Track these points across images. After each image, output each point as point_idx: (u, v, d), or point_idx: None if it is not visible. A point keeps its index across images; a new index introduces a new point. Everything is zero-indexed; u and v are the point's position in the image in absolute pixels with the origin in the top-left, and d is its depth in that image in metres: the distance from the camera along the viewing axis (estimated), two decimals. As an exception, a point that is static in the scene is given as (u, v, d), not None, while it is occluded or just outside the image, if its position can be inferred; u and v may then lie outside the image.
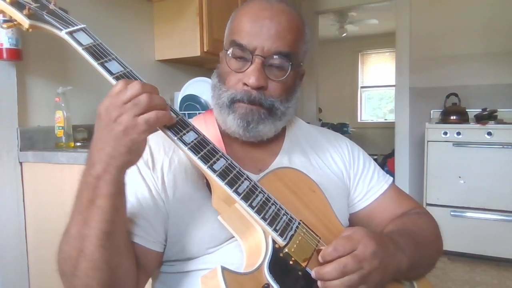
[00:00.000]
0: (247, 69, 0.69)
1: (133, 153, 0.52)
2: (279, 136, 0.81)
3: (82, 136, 1.57)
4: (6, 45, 1.30)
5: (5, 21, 0.61)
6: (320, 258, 0.57)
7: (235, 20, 0.74)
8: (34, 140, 1.46)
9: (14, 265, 1.40)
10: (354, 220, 0.83)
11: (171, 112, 0.57)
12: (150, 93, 0.52)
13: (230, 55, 0.71)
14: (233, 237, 0.61)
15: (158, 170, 0.69)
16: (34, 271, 1.44)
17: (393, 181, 0.86)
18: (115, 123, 0.50)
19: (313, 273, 0.56)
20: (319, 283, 0.56)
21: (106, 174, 0.52)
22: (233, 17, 0.76)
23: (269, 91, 0.70)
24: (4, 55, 1.31)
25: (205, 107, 1.74)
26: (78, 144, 1.51)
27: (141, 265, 0.64)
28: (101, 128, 0.52)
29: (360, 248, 0.57)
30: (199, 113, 1.47)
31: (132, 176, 0.67)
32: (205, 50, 1.99)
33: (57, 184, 1.35)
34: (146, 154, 0.70)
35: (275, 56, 0.69)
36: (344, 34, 5.12)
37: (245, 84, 0.68)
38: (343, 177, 0.81)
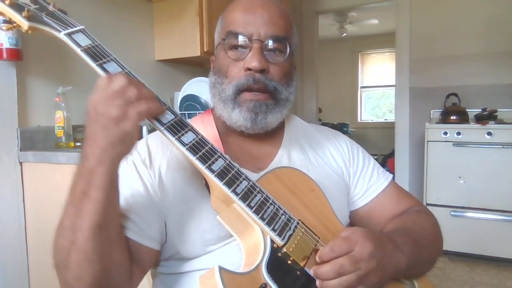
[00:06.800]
0: (246, 56, 0.70)
1: (125, 144, 0.53)
2: (278, 135, 0.81)
3: (82, 136, 1.56)
4: (6, 45, 1.31)
5: (4, 22, 0.61)
6: (317, 258, 0.57)
7: (226, 14, 0.76)
8: (34, 140, 1.46)
9: (14, 265, 1.40)
10: (354, 218, 0.83)
11: (171, 114, 0.57)
12: (136, 84, 0.53)
13: (227, 46, 0.72)
14: (233, 236, 0.61)
15: (156, 168, 0.69)
16: (34, 271, 1.44)
17: (393, 178, 0.86)
18: (104, 116, 0.51)
19: (311, 271, 0.57)
20: (317, 282, 0.56)
21: (100, 165, 0.52)
22: (224, 14, 0.78)
23: (270, 75, 0.71)
24: (4, 55, 1.31)
25: (205, 107, 1.74)
26: (78, 144, 1.51)
27: (135, 260, 0.64)
28: (92, 123, 0.52)
29: (357, 249, 0.57)
30: (198, 113, 1.47)
31: (128, 172, 0.68)
32: (205, 50, 1.99)
33: (57, 184, 1.35)
34: (144, 152, 0.71)
35: (272, 40, 0.71)
36: (344, 34, 5.11)
37: (247, 69, 0.70)
38: (342, 175, 0.81)
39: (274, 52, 0.72)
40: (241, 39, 0.71)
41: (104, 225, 0.55)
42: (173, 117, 0.58)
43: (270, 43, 0.71)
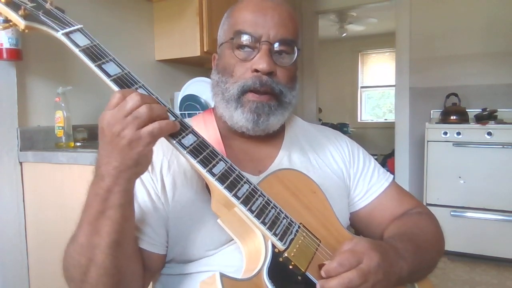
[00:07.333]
0: (254, 57, 0.70)
1: (140, 164, 0.52)
2: (279, 136, 0.81)
3: (82, 136, 1.57)
4: (6, 45, 1.30)
5: (1, 22, 0.60)
6: (323, 273, 0.56)
7: (235, 13, 0.75)
8: (34, 140, 1.45)
9: (14, 265, 1.40)
10: (354, 219, 0.82)
11: (172, 116, 0.56)
12: (149, 103, 0.51)
13: (235, 45, 0.71)
14: (233, 240, 0.61)
15: (157, 172, 0.69)
16: (34, 271, 1.44)
17: (394, 178, 0.85)
18: (119, 138, 0.50)
19: (318, 286, 0.55)
20: None
21: (115, 186, 0.52)
22: (231, 12, 0.77)
23: (277, 77, 0.71)
24: (4, 55, 1.31)
25: (205, 107, 1.74)
26: (78, 144, 1.51)
27: (146, 267, 0.65)
28: (105, 143, 0.51)
29: (365, 261, 0.56)
30: (198, 113, 1.47)
31: None
32: (205, 50, 1.99)
33: (57, 184, 1.35)
34: None
35: (281, 43, 0.70)
36: (344, 34, 5.11)
37: (255, 70, 0.69)
38: (343, 176, 0.81)
39: (281, 55, 0.72)
40: (249, 40, 0.70)
41: (122, 241, 0.55)
42: (174, 119, 0.56)
43: (279, 46, 0.70)
